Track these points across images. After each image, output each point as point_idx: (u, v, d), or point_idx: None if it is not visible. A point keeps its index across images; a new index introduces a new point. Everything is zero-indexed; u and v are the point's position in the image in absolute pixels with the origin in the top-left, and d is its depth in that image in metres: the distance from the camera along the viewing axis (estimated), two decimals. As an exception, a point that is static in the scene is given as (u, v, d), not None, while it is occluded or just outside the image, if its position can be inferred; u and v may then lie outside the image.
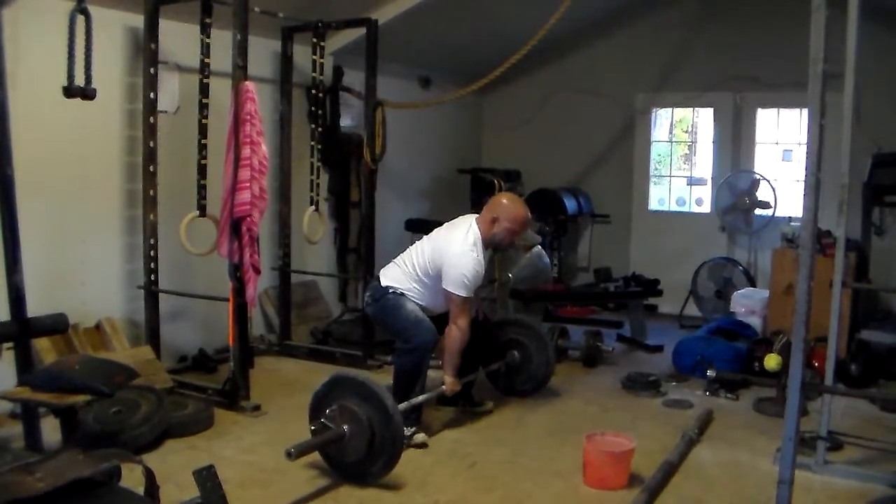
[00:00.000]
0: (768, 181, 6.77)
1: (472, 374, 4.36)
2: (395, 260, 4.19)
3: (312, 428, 3.39)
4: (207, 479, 2.48)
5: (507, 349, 4.65)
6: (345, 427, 3.30)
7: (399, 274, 4.08)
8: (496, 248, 4.23)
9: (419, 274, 4.01)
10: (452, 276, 3.86)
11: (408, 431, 3.86)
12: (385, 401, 3.30)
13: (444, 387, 4.05)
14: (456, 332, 3.93)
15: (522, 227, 4.12)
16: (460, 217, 4.20)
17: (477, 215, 4.11)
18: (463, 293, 3.87)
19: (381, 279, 4.11)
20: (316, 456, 3.51)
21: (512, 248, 4.44)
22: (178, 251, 4.67)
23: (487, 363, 4.56)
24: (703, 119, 7.69)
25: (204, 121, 4.61)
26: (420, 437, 3.89)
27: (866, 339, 5.19)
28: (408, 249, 4.18)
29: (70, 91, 3.19)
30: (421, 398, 3.93)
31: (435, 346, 4.00)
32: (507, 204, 4.04)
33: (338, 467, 3.43)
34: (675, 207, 7.81)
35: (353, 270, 6.41)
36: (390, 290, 4.04)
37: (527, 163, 7.84)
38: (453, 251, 3.90)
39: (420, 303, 4.04)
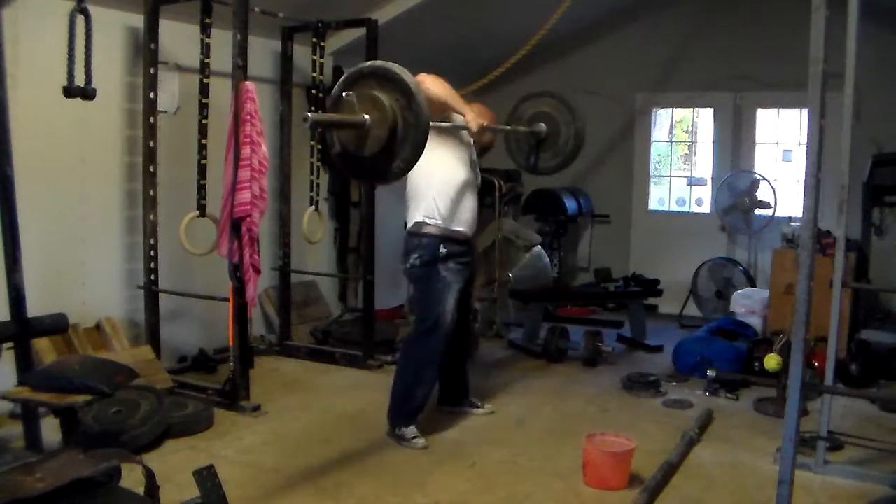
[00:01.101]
0: (768, 181, 6.77)
1: (463, 371, 4.30)
2: (406, 208, 3.99)
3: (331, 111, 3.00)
4: (207, 479, 2.47)
5: (534, 121, 4.39)
6: (365, 116, 2.88)
7: (417, 201, 3.88)
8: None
9: (421, 184, 3.85)
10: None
11: (408, 433, 3.87)
12: (408, 82, 2.94)
13: (469, 123, 3.79)
14: (429, 80, 3.65)
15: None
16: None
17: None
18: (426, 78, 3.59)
19: (418, 219, 3.87)
20: (315, 455, 3.51)
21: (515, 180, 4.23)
22: (178, 251, 4.67)
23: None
24: (703, 119, 7.69)
25: (204, 121, 4.61)
26: (420, 441, 3.88)
27: (866, 339, 5.19)
28: (406, 187, 3.99)
29: (70, 91, 3.19)
30: (420, 397, 3.87)
31: (447, 340, 3.89)
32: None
33: (357, 167, 3.06)
34: (675, 207, 7.81)
35: (353, 270, 6.41)
36: (440, 253, 3.82)
37: (527, 163, 7.84)
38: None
39: (457, 225, 3.84)
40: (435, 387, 4.16)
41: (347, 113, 2.90)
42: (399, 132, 2.86)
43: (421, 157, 3.18)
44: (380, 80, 2.96)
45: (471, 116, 3.80)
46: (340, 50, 6.10)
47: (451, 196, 3.89)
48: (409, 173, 3.48)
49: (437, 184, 3.87)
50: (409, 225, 3.97)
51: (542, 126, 4.39)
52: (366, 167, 3.00)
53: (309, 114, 2.86)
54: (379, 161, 2.91)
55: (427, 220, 3.87)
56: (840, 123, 3.30)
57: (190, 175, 4.64)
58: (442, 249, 3.85)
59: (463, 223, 3.94)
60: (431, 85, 3.66)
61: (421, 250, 3.89)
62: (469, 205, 3.97)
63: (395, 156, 2.89)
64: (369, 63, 3.10)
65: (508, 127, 4.31)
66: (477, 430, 4.17)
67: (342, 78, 3.05)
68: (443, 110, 3.79)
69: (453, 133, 3.92)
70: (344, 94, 2.94)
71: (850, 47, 3.23)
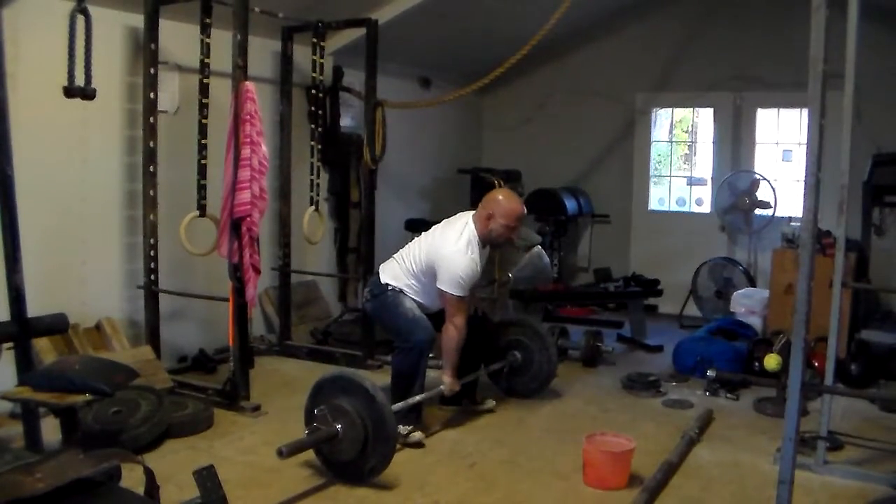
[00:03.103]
0: (768, 181, 6.77)
1: (474, 374, 4.36)
2: (394, 255, 4.19)
3: (307, 432, 3.39)
4: (207, 479, 2.48)
5: (509, 350, 4.64)
6: (337, 426, 3.29)
7: (397, 270, 4.08)
8: (493, 246, 4.21)
9: (415, 271, 4.02)
10: (446, 276, 3.86)
11: (405, 430, 3.87)
12: (370, 392, 3.29)
13: (443, 387, 4.05)
14: (453, 332, 3.93)
15: (517, 223, 4.06)
16: (459, 214, 4.19)
17: (474, 212, 4.10)
18: (457, 292, 3.86)
19: (381, 275, 4.12)
20: (314, 456, 3.51)
21: (510, 244, 4.42)
22: (178, 251, 4.67)
23: (489, 362, 4.57)
24: (703, 119, 7.68)
25: (204, 121, 4.60)
26: (416, 435, 3.89)
27: (866, 339, 5.19)
28: (407, 245, 4.18)
29: (70, 91, 3.19)
30: (418, 398, 3.93)
31: (433, 344, 4.00)
32: (501, 200, 4.00)
33: (334, 468, 3.43)
34: (675, 207, 7.81)
35: (353, 270, 6.40)
36: (389, 288, 4.04)
37: (527, 163, 7.84)
38: (446, 250, 3.89)
39: (417, 299, 4.04)
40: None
41: (322, 424, 3.31)
42: (370, 434, 3.27)
43: (421, 283, 3.98)
44: (343, 388, 3.37)
45: (447, 381, 4.04)
46: (340, 50, 6.10)
47: (423, 295, 4.06)
48: (423, 259, 3.98)
49: (422, 286, 4.04)
50: (378, 272, 4.19)
51: (517, 355, 4.64)
52: (348, 470, 3.38)
53: (283, 448, 3.15)
54: (358, 462, 3.32)
55: (392, 282, 4.06)
56: (840, 123, 3.30)
57: (190, 175, 4.64)
58: (391, 288, 4.03)
59: (425, 302, 4.08)
60: (453, 329, 3.95)
61: (370, 286, 4.17)
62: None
63: (370, 456, 3.30)
64: (329, 374, 3.54)
65: (476, 374, 4.45)
66: (477, 430, 4.17)
67: (311, 391, 3.51)
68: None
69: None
70: (316, 411, 3.35)
71: (850, 47, 3.23)
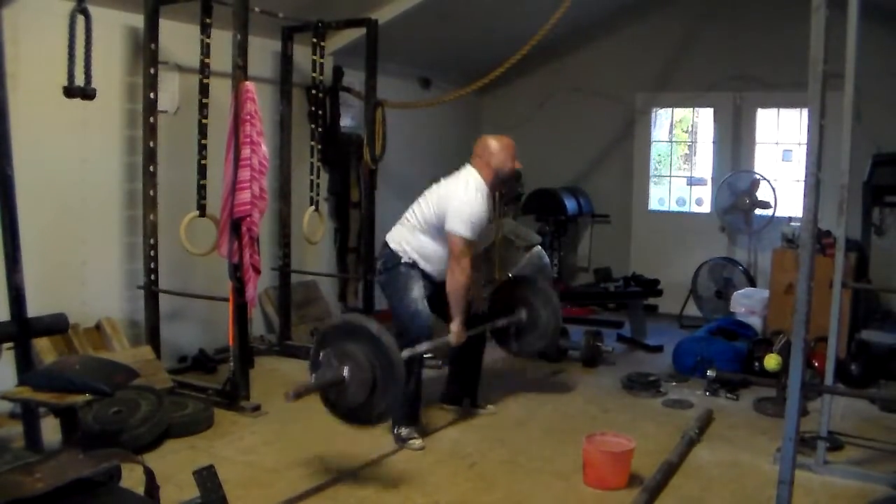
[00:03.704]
0: (768, 181, 6.77)
1: (482, 326, 4.30)
2: (399, 221, 4.15)
3: (313, 376, 3.28)
4: (207, 479, 2.48)
5: (515, 308, 4.53)
6: (344, 368, 3.17)
7: (405, 233, 4.04)
8: (502, 188, 4.21)
9: (425, 226, 3.98)
10: (456, 216, 3.85)
11: (405, 432, 3.87)
12: (376, 335, 3.18)
13: (450, 336, 3.97)
14: (459, 275, 3.87)
15: (515, 155, 4.15)
16: (458, 171, 4.17)
17: (470, 165, 4.09)
18: (464, 232, 3.84)
19: (391, 244, 4.06)
20: (315, 455, 3.51)
21: (516, 181, 4.39)
22: (178, 251, 4.67)
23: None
24: (703, 119, 7.68)
25: (204, 121, 4.60)
26: (416, 443, 3.88)
27: (866, 339, 5.19)
28: (410, 208, 4.14)
29: (70, 91, 3.19)
30: (425, 345, 3.85)
31: (429, 339, 3.98)
32: (494, 143, 4.07)
33: (344, 415, 3.30)
34: (675, 207, 7.81)
35: (353, 270, 6.41)
36: (402, 261, 3.99)
37: (527, 163, 7.75)
38: (458, 196, 3.91)
39: (427, 267, 4.00)
40: (424, 385, 4.17)
41: (328, 370, 3.21)
42: (378, 378, 3.16)
43: (430, 239, 3.95)
44: (349, 333, 3.26)
45: (455, 329, 3.98)
46: (340, 50, 6.10)
47: (431, 259, 4.03)
48: (434, 210, 3.93)
49: (425, 250, 4.01)
50: (386, 240, 4.14)
51: (523, 313, 4.53)
52: (358, 416, 3.29)
53: (290, 392, 3.09)
54: (366, 406, 3.22)
55: (400, 253, 4.02)
56: (840, 123, 3.30)
57: (190, 175, 4.64)
58: (406, 259, 4.00)
59: (433, 269, 4.04)
60: (458, 273, 3.90)
61: (383, 258, 4.10)
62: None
63: (378, 400, 3.20)
64: (333, 321, 3.54)
65: (484, 327, 4.38)
66: (477, 430, 4.17)
67: (316, 339, 3.38)
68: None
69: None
70: (321, 355, 3.25)
71: (850, 47, 3.23)
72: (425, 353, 3.95)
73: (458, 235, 3.85)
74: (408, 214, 4.10)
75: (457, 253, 3.87)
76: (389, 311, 4.14)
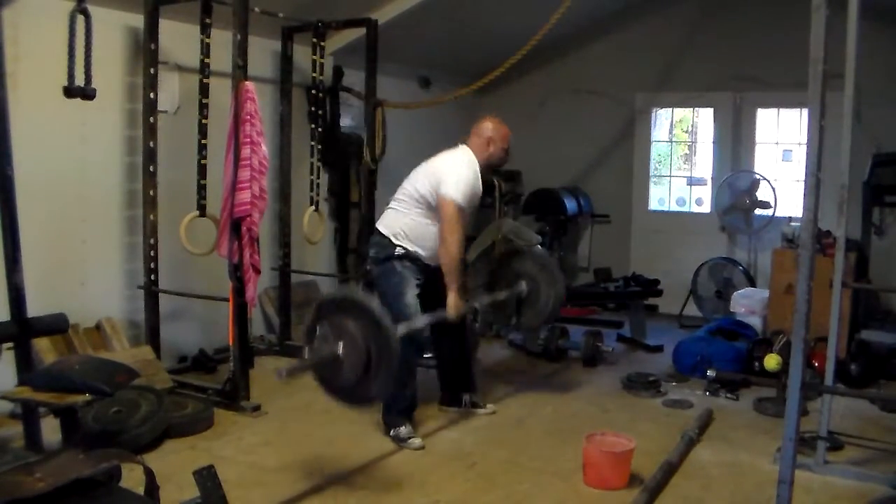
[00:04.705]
0: (768, 181, 6.77)
1: (478, 302, 4.29)
2: (388, 205, 4.12)
3: (306, 350, 3.16)
4: (207, 479, 2.48)
5: (517, 279, 4.45)
6: (339, 344, 3.04)
7: (397, 215, 4.01)
8: (490, 170, 4.23)
9: (418, 200, 3.95)
10: (449, 181, 3.84)
11: (404, 433, 3.87)
12: (374, 312, 3.05)
13: (448, 309, 3.89)
14: (450, 243, 3.82)
15: (508, 143, 4.20)
16: (447, 150, 4.18)
17: (462, 144, 4.13)
18: (456, 196, 3.82)
19: (382, 230, 4.03)
20: (315, 456, 3.51)
21: (503, 165, 4.40)
22: (178, 251, 4.67)
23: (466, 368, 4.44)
24: (703, 119, 7.69)
25: (204, 121, 4.60)
26: (416, 441, 3.88)
27: (866, 339, 5.19)
28: (399, 188, 4.10)
29: (70, 91, 3.18)
30: (424, 319, 3.77)
31: (425, 340, 3.96)
32: (493, 127, 4.12)
33: (338, 394, 3.19)
34: (675, 207, 7.81)
35: (353, 270, 6.40)
36: (395, 253, 3.96)
37: (527, 163, 7.84)
38: (451, 165, 3.95)
39: (420, 252, 3.95)
40: (424, 385, 4.17)
41: (323, 345, 3.06)
42: (373, 356, 3.01)
43: (421, 216, 3.88)
44: (347, 310, 3.10)
45: (451, 301, 3.89)
46: (340, 50, 6.10)
47: (423, 240, 3.99)
48: (428, 184, 3.88)
49: (418, 229, 3.98)
50: (377, 227, 4.10)
51: (523, 285, 4.44)
52: (352, 396, 3.15)
53: (282, 370, 2.96)
54: (361, 386, 3.06)
55: (392, 239, 3.99)
56: (840, 123, 3.30)
57: (190, 175, 4.64)
58: (399, 250, 3.97)
59: (425, 253, 4.01)
60: (451, 243, 3.85)
61: (376, 247, 4.07)
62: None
63: (373, 379, 3.05)
64: (331, 295, 3.42)
65: (480, 302, 4.36)
66: (477, 430, 4.17)
67: (313, 311, 3.22)
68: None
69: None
70: (317, 330, 3.11)
71: (850, 47, 3.23)
72: (422, 330, 3.80)
73: (451, 199, 3.82)
74: (398, 195, 4.07)
75: (448, 217, 3.81)
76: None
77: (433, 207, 3.91)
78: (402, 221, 3.98)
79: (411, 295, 3.95)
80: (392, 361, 3.05)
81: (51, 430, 3.30)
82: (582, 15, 6.59)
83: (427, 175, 3.98)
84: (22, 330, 2.97)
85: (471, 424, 4.25)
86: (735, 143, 7.22)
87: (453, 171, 3.90)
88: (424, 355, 4.11)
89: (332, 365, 3.05)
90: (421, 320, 3.76)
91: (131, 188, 4.81)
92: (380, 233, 4.05)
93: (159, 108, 4.63)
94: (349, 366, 3.03)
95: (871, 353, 5.03)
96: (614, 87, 7.63)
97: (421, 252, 3.98)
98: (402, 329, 3.37)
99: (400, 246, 3.96)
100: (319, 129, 5.67)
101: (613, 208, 7.83)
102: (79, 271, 4.57)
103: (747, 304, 5.99)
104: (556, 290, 4.41)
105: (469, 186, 3.90)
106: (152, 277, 4.67)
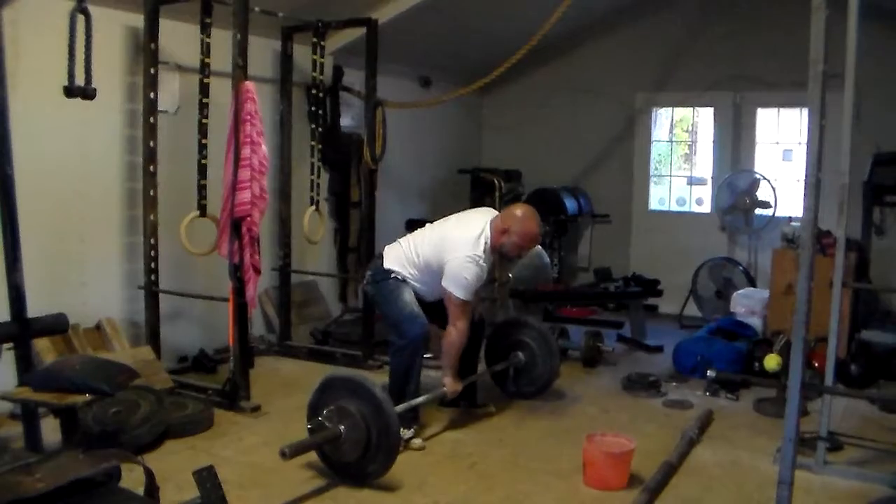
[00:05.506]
0: (768, 181, 6.77)
1: (474, 376, 4.36)
2: (400, 240, 4.15)
3: (309, 427, 3.38)
4: (207, 480, 2.48)
5: (513, 350, 4.62)
6: (341, 427, 3.28)
7: (402, 257, 4.04)
8: (501, 256, 4.16)
9: (418, 262, 3.99)
10: (454, 278, 3.83)
11: (406, 434, 3.87)
12: (379, 399, 3.29)
13: (444, 388, 4.04)
14: (455, 335, 3.91)
15: (531, 244, 4.06)
16: (476, 210, 4.19)
17: (492, 214, 4.04)
18: (462, 295, 3.84)
19: (384, 259, 4.07)
20: (315, 456, 3.51)
21: (518, 258, 4.40)
22: (178, 251, 4.67)
23: (490, 363, 4.55)
24: (703, 119, 7.69)
25: (204, 121, 4.61)
26: (417, 441, 3.89)
27: (866, 339, 5.19)
28: (415, 233, 4.13)
29: (70, 91, 3.18)
30: (420, 399, 3.92)
31: (427, 340, 3.97)
32: (520, 217, 3.93)
33: (335, 468, 3.42)
34: (675, 207, 7.81)
35: (353, 270, 6.40)
36: (391, 275, 4.01)
37: (527, 163, 7.85)
38: (461, 253, 3.82)
39: (416, 285, 4.02)
40: (424, 385, 4.16)
41: (326, 423, 3.32)
42: (373, 439, 3.28)
43: (427, 274, 3.95)
44: (352, 390, 3.37)
45: (448, 383, 4.02)
46: (340, 49, 6.10)
47: (423, 282, 4.03)
48: (433, 253, 3.95)
49: (426, 276, 4.01)
50: (380, 253, 4.17)
51: (521, 356, 4.61)
52: (349, 471, 3.39)
53: (285, 449, 3.13)
54: (359, 464, 3.34)
55: (392, 268, 4.03)
56: (840, 123, 3.30)
57: (190, 175, 4.64)
58: (396, 275, 4.01)
59: (425, 288, 4.04)
60: (453, 337, 3.95)
61: (373, 269, 4.14)
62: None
63: (371, 460, 3.31)
64: (340, 374, 3.64)
65: (477, 376, 4.46)
66: (477, 430, 4.17)
67: (319, 385, 3.49)
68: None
69: None
70: (323, 411, 3.35)
71: (850, 47, 3.23)
72: (420, 403, 3.96)
73: (455, 296, 3.84)
74: (410, 241, 4.07)
75: (455, 315, 3.88)
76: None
77: (438, 274, 3.92)
78: (406, 266, 4.02)
79: (408, 294, 3.99)
80: (392, 446, 3.29)
81: (51, 430, 3.31)
82: (582, 15, 6.59)
83: (442, 248, 3.90)
84: (22, 330, 2.97)
85: (471, 425, 4.25)
86: (735, 142, 7.22)
87: (461, 268, 3.81)
88: (425, 355, 4.12)
89: (334, 443, 3.32)
90: (418, 400, 3.90)
91: (131, 188, 4.81)
92: (382, 259, 4.09)
93: (159, 107, 4.63)
94: (350, 445, 3.29)
95: (871, 354, 5.03)
96: (614, 87, 7.63)
97: (420, 287, 4.04)
98: (401, 408, 3.62)
99: (399, 273, 4.02)
100: (319, 129, 5.66)
101: (613, 208, 7.82)
102: (79, 271, 4.57)
103: (747, 304, 5.99)
104: (552, 363, 4.59)
105: (475, 280, 3.87)
106: (152, 277, 4.67)
